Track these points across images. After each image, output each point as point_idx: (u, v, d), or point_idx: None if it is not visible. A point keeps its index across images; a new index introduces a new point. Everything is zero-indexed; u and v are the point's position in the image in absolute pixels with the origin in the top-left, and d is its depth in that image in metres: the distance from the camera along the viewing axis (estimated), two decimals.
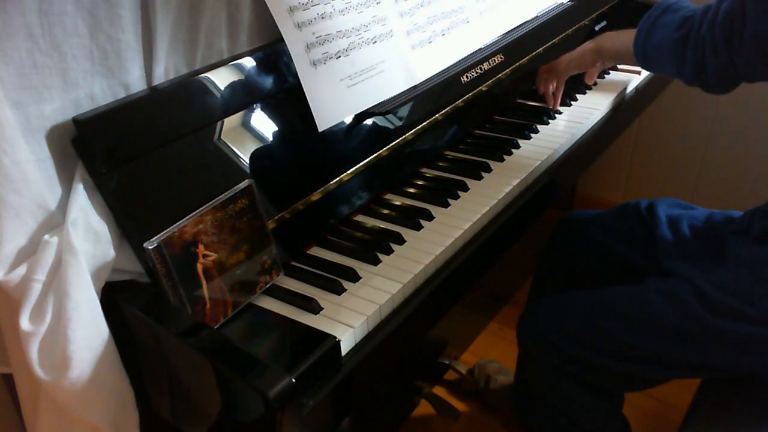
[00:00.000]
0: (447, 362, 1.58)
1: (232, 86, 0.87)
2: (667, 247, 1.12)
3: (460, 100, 1.17)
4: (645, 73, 1.47)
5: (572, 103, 1.34)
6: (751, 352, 0.95)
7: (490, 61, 1.21)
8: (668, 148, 2.00)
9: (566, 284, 1.31)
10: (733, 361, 0.97)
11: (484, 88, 1.21)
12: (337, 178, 0.97)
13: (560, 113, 1.29)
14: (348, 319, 0.79)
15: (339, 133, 0.99)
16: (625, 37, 1.16)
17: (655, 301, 1.01)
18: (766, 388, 1.00)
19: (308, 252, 0.93)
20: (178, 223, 0.75)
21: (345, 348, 0.76)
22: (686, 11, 1.04)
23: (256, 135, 0.89)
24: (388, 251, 0.91)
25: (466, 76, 1.16)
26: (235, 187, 0.80)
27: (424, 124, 1.11)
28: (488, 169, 1.11)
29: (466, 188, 1.06)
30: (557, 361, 1.14)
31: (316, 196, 0.93)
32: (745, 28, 0.90)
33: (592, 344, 1.08)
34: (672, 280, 1.04)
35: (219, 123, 0.85)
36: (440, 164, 1.14)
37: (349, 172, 0.98)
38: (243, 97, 0.88)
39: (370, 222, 0.99)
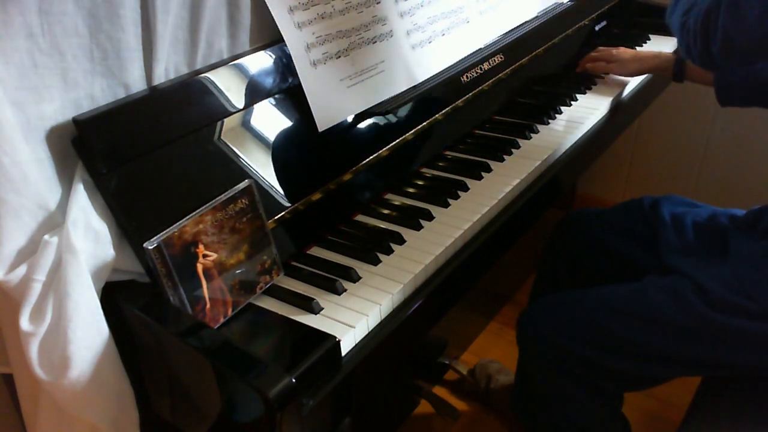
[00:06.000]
0: (447, 362, 1.58)
1: (232, 86, 0.87)
2: (669, 245, 1.12)
3: (460, 100, 1.17)
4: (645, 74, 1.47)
5: (572, 103, 1.34)
6: (751, 347, 0.95)
7: (490, 61, 1.21)
8: (668, 147, 2.00)
9: (568, 281, 1.32)
10: (732, 357, 0.97)
11: (484, 88, 1.21)
12: (337, 178, 0.97)
13: (560, 113, 1.29)
14: (348, 319, 0.79)
15: (339, 133, 0.99)
16: None
17: (655, 297, 1.02)
18: (766, 388, 1.00)
19: (308, 252, 0.93)
20: (178, 223, 0.75)
21: (345, 348, 0.76)
22: None
23: (256, 135, 0.89)
24: (388, 251, 0.91)
25: (466, 76, 1.16)
26: (235, 187, 0.80)
27: (424, 124, 1.11)
28: (488, 169, 1.11)
29: (466, 188, 1.05)
30: (557, 359, 1.14)
31: (316, 196, 0.93)
32: (718, 29, 0.93)
33: (591, 342, 1.08)
34: (672, 276, 1.04)
35: (219, 123, 0.85)
36: (440, 164, 1.14)
37: (349, 172, 0.98)
38: (243, 97, 0.88)
39: (371, 222, 0.99)
